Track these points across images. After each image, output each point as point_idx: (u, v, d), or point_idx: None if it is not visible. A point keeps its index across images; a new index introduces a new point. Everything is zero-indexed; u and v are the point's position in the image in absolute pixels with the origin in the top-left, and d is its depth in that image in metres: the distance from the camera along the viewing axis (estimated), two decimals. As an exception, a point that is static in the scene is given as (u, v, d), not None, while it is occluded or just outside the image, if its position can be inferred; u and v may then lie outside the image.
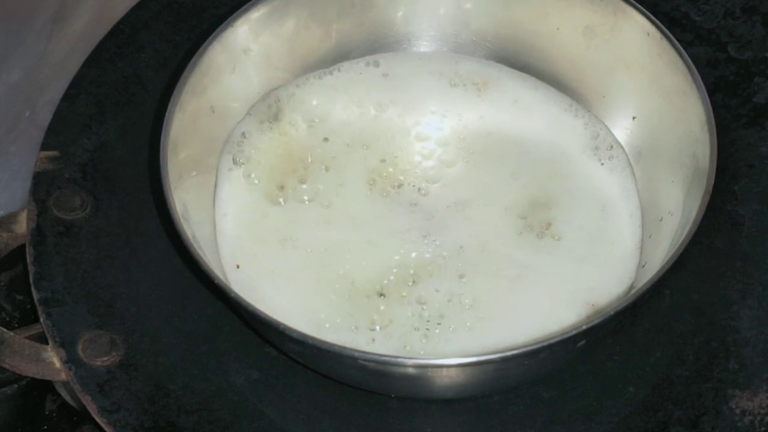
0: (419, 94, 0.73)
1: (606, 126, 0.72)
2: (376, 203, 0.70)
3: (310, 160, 0.71)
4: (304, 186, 0.70)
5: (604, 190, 0.70)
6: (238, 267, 0.67)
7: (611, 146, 0.71)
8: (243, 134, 0.71)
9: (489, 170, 0.71)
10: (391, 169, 0.71)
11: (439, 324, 0.66)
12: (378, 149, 0.72)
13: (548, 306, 0.66)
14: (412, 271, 0.67)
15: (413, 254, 0.68)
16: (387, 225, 0.69)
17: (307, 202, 0.70)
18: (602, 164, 0.71)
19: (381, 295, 0.66)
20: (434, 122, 0.73)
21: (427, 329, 0.65)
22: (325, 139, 0.72)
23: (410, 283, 0.67)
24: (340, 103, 0.73)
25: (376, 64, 0.74)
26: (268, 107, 0.72)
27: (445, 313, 0.66)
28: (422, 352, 0.65)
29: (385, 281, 0.67)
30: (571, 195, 0.70)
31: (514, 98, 0.73)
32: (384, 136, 0.72)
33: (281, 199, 0.70)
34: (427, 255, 0.68)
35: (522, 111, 0.72)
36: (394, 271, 0.67)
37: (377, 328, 0.65)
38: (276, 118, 0.72)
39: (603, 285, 0.66)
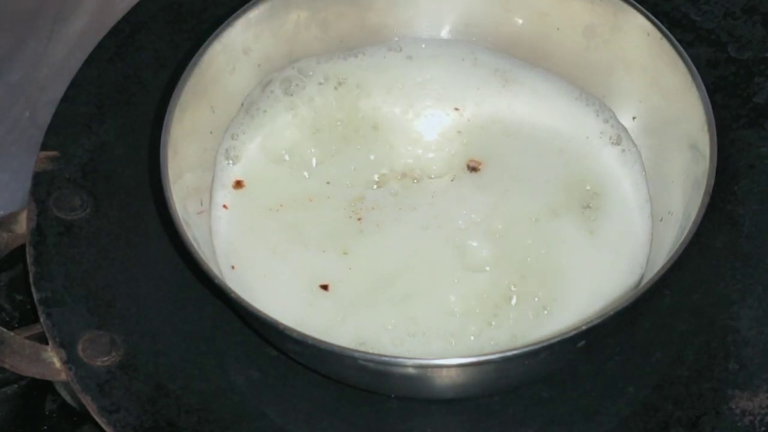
0: (443, 83, 0.73)
1: (614, 114, 0.71)
2: (391, 193, 0.70)
3: (312, 155, 0.71)
4: (310, 175, 0.70)
5: (621, 181, 0.70)
6: (233, 268, 0.67)
7: (619, 135, 0.71)
8: (241, 132, 0.71)
9: (516, 159, 0.71)
10: (410, 161, 0.71)
11: (463, 317, 0.65)
12: (378, 144, 0.72)
13: (579, 294, 0.66)
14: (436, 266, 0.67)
15: (435, 244, 0.68)
16: (404, 217, 0.69)
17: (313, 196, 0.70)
18: (616, 154, 0.70)
19: (403, 295, 0.66)
20: (461, 112, 0.72)
21: (449, 320, 0.65)
22: (337, 123, 0.71)
23: (427, 279, 0.67)
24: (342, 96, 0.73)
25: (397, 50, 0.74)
26: (267, 98, 0.72)
27: (467, 306, 0.66)
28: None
29: (400, 278, 0.67)
30: (594, 183, 0.69)
31: (533, 88, 0.73)
32: (390, 126, 0.72)
33: (281, 202, 0.70)
34: (455, 244, 0.68)
35: (542, 100, 0.72)
36: (409, 266, 0.67)
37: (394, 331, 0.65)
38: (269, 113, 0.72)
39: (616, 276, 0.67)
